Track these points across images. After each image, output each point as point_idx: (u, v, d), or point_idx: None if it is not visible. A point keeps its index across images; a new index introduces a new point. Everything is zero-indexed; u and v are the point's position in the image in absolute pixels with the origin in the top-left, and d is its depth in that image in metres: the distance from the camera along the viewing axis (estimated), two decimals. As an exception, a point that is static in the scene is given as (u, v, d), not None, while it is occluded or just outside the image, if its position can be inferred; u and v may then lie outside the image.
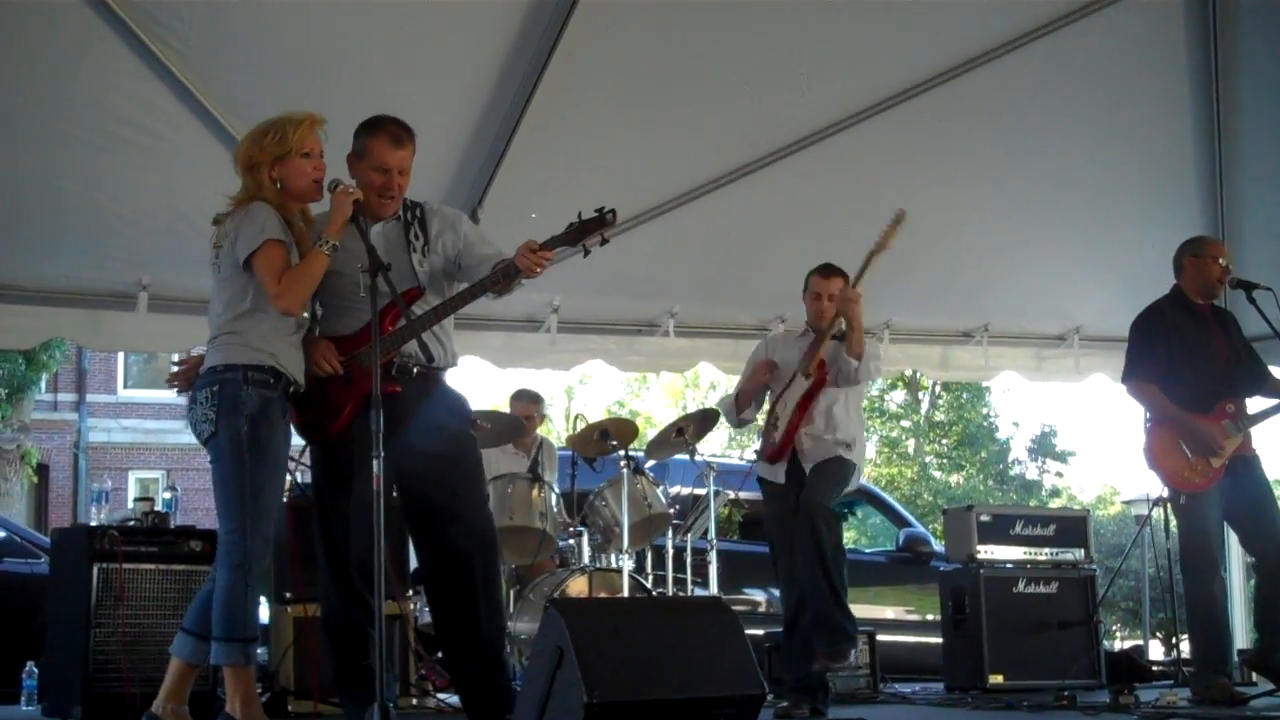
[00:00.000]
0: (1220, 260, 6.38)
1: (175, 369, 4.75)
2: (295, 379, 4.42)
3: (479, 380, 24.36)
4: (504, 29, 6.35)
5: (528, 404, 8.32)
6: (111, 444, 25.54)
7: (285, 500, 6.07)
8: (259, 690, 5.50)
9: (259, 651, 6.32)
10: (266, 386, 4.32)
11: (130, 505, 6.40)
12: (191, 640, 4.33)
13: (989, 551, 7.36)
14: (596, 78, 6.70)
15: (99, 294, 7.14)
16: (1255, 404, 6.33)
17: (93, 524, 6.01)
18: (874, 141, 7.36)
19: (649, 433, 10.00)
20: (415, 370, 4.68)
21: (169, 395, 24.98)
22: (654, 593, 7.47)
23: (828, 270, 6.12)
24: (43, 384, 23.23)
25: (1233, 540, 7.44)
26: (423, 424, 4.68)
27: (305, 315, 4.51)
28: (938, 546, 9.63)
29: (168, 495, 6.43)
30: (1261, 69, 7.59)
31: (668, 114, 7.03)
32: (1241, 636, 8.23)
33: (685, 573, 7.97)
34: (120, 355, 24.93)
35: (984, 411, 34.40)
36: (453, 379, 4.95)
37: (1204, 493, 6.16)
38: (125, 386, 25.93)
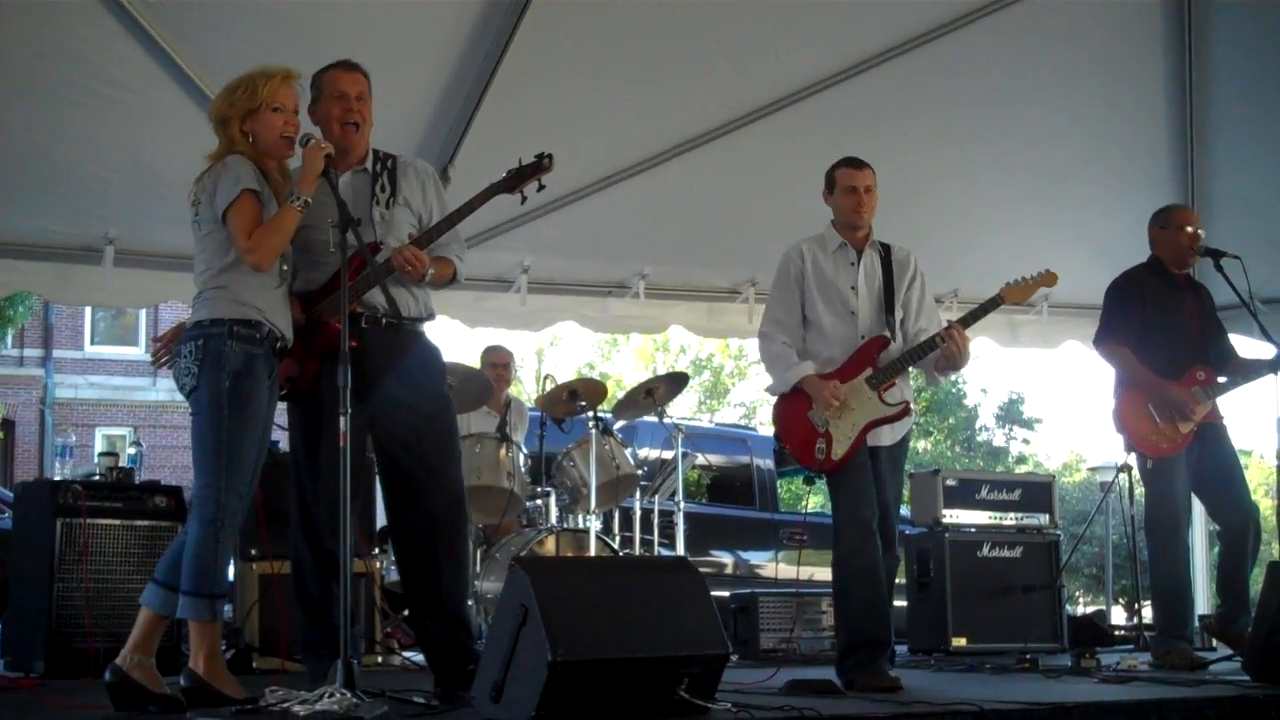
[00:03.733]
0: (1188, 228, 6.42)
1: (155, 345, 4.70)
2: (282, 333, 4.39)
3: (448, 339, 24.13)
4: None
5: (502, 354, 8.30)
6: (78, 400, 25.41)
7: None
8: (224, 647, 5.51)
9: (225, 608, 6.32)
10: (251, 342, 4.29)
11: (95, 461, 6.37)
12: (162, 591, 4.31)
13: (954, 516, 7.39)
14: (569, 39, 6.66)
15: (65, 248, 7.09)
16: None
17: (56, 479, 5.98)
18: (846, 105, 7.35)
19: (619, 394, 9.99)
20: (384, 322, 4.65)
21: (136, 352, 24.92)
22: (621, 553, 7.49)
23: (859, 162, 5.61)
24: (9, 339, 23.10)
25: (1197, 507, 7.50)
26: (397, 378, 4.65)
27: (286, 268, 4.47)
28: (904, 511, 9.68)
29: (133, 451, 6.39)
30: (1234, 37, 7.60)
31: (640, 76, 7.01)
32: (1203, 602, 8.31)
33: (652, 534, 8.00)
34: (87, 311, 24.79)
35: (952, 378, 34.54)
36: (430, 331, 4.91)
37: (1171, 458, 6.22)
38: (92, 342, 25.80)
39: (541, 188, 4.72)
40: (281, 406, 4.67)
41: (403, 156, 4.91)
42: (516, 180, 4.67)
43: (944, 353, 5.38)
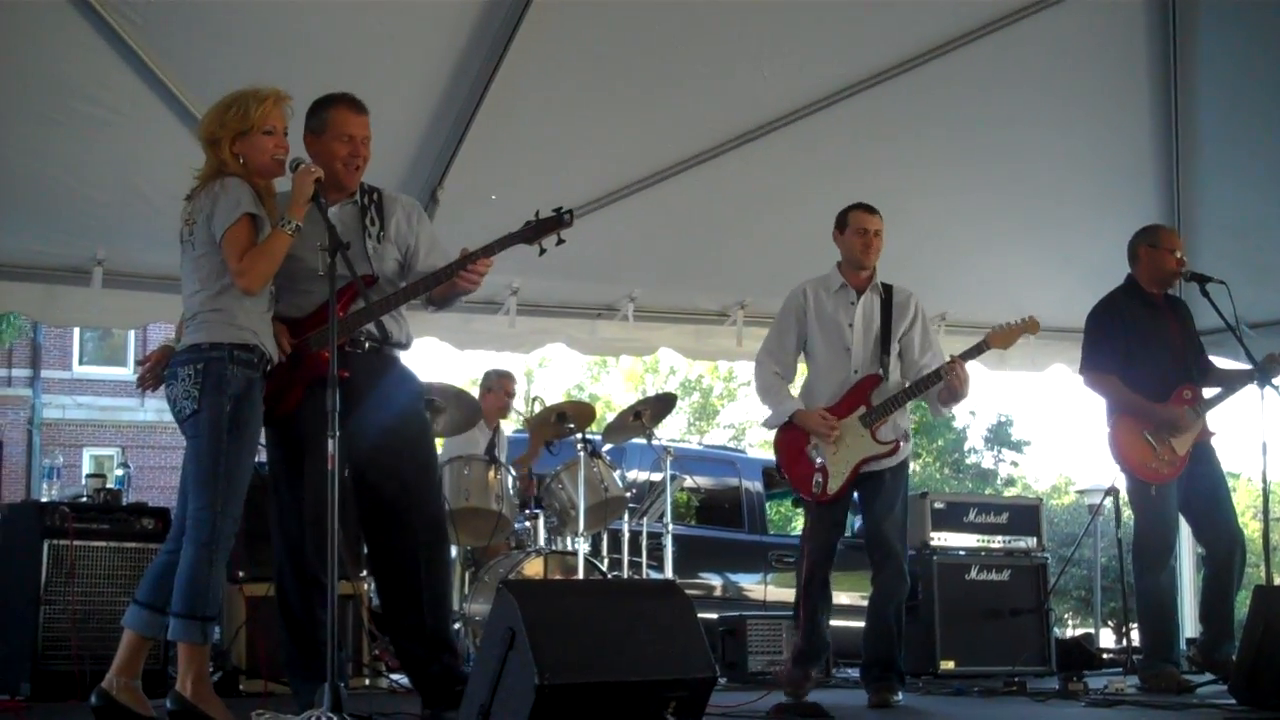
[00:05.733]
0: (1176, 252, 6.45)
1: (142, 369, 4.69)
2: (272, 356, 4.41)
3: (435, 361, 24.23)
4: (466, 10, 6.32)
5: (510, 381, 8.33)
6: (66, 420, 25.33)
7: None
8: (210, 669, 5.49)
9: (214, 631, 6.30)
10: (250, 366, 4.30)
11: (83, 482, 6.35)
12: (144, 612, 4.30)
13: (942, 539, 7.41)
14: (558, 61, 6.68)
15: (53, 268, 7.08)
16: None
17: (44, 500, 5.97)
18: (833, 129, 7.38)
19: (608, 416, 9.99)
20: (367, 345, 4.66)
21: (124, 372, 24.85)
22: (609, 576, 7.48)
23: (872, 209, 5.95)
24: (-4, 359, 23.01)
25: (1184, 530, 7.52)
26: (377, 406, 4.65)
27: (272, 289, 4.48)
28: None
29: (120, 472, 6.38)
30: (1219, 61, 7.65)
31: (629, 98, 7.03)
32: (1191, 625, 8.31)
33: (641, 556, 7.99)
34: (76, 331, 24.73)
35: (953, 410, 34.55)
36: (407, 359, 4.92)
37: (1171, 483, 6.23)
38: (80, 363, 25.73)
39: (560, 242, 4.69)
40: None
41: (388, 190, 4.92)
42: (534, 233, 4.67)
43: (947, 385, 5.69)
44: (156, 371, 4.50)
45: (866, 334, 5.87)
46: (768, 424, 6.08)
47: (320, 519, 4.12)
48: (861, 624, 5.92)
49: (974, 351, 5.82)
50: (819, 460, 5.74)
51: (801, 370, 6.17)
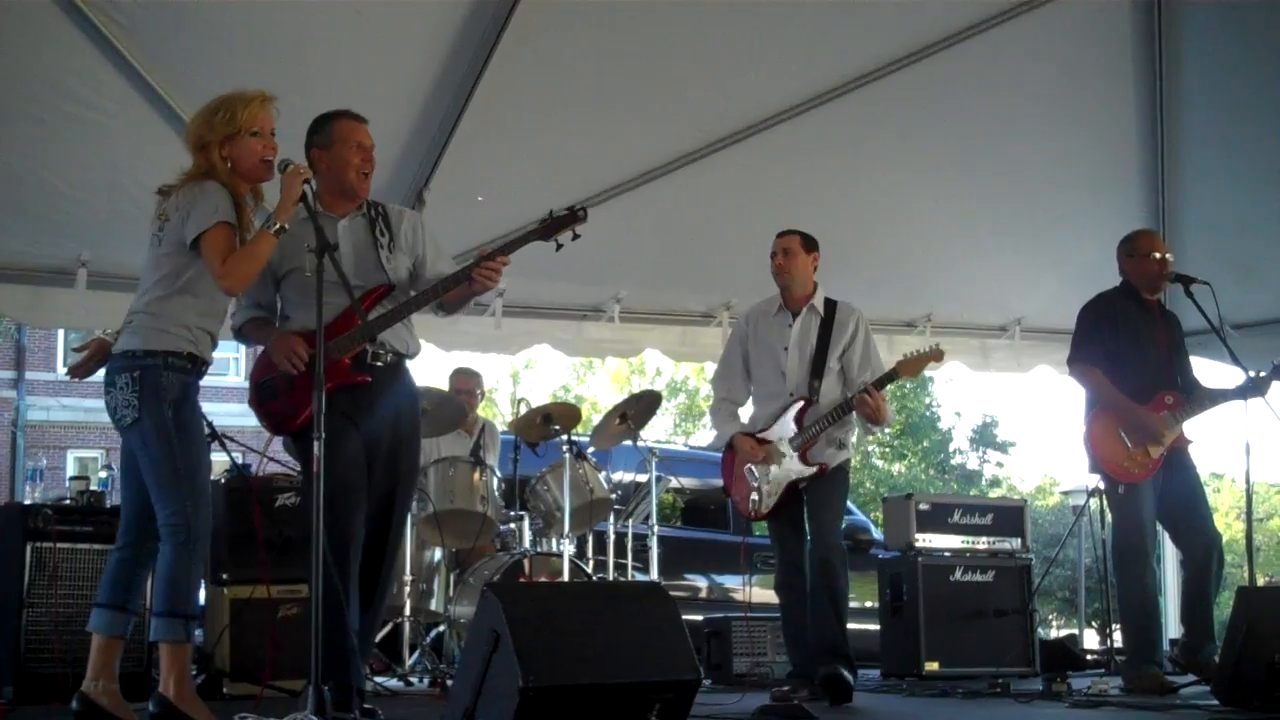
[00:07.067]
0: (1155, 254, 6.45)
1: (76, 357, 4.70)
2: (208, 360, 4.44)
3: (421, 363, 24.08)
4: (452, 11, 6.31)
5: (467, 379, 8.29)
6: (50, 422, 25.27)
7: (223, 482, 6.07)
8: (194, 672, 5.49)
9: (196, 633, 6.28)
10: (185, 371, 4.32)
11: (67, 484, 6.34)
12: (107, 612, 4.33)
13: (927, 540, 7.40)
14: (544, 62, 6.67)
15: (38, 270, 7.07)
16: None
17: (27, 502, 5.95)
18: (820, 130, 7.38)
19: (594, 418, 9.99)
20: (390, 358, 4.78)
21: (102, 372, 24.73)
22: (594, 578, 7.48)
23: (785, 229, 6.18)
24: (-20, 361, 22.93)
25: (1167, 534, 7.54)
26: (385, 412, 4.77)
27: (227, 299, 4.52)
28: (878, 535, 9.69)
29: (104, 474, 6.36)
30: (1204, 62, 7.66)
31: (615, 99, 7.02)
32: (1174, 627, 8.33)
33: (626, 558, 7.98)
34: (60, 333, 24.66)
35: (926, 401, 34.67)
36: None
37: (1141, 484, 6.24)
38: (65, 365, 25.62)
39: (576, 237, 4.82)
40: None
41: (390, 204, 5.05)
42: (549, 230, 4.78)
43: (860, 413, 5.96)
44: (90, 365, 4.54)
45: (801, 356, 6.09)
46: (712, 446, 6.50)
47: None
48: (857, 625, 6.03)
49: (885, 380, 5.96)
50: (754, 481, 6.07)
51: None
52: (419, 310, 4.81)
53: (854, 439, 6.28)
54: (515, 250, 4.76)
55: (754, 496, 6.07)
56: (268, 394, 4.74)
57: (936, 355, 6.12)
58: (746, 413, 6.38)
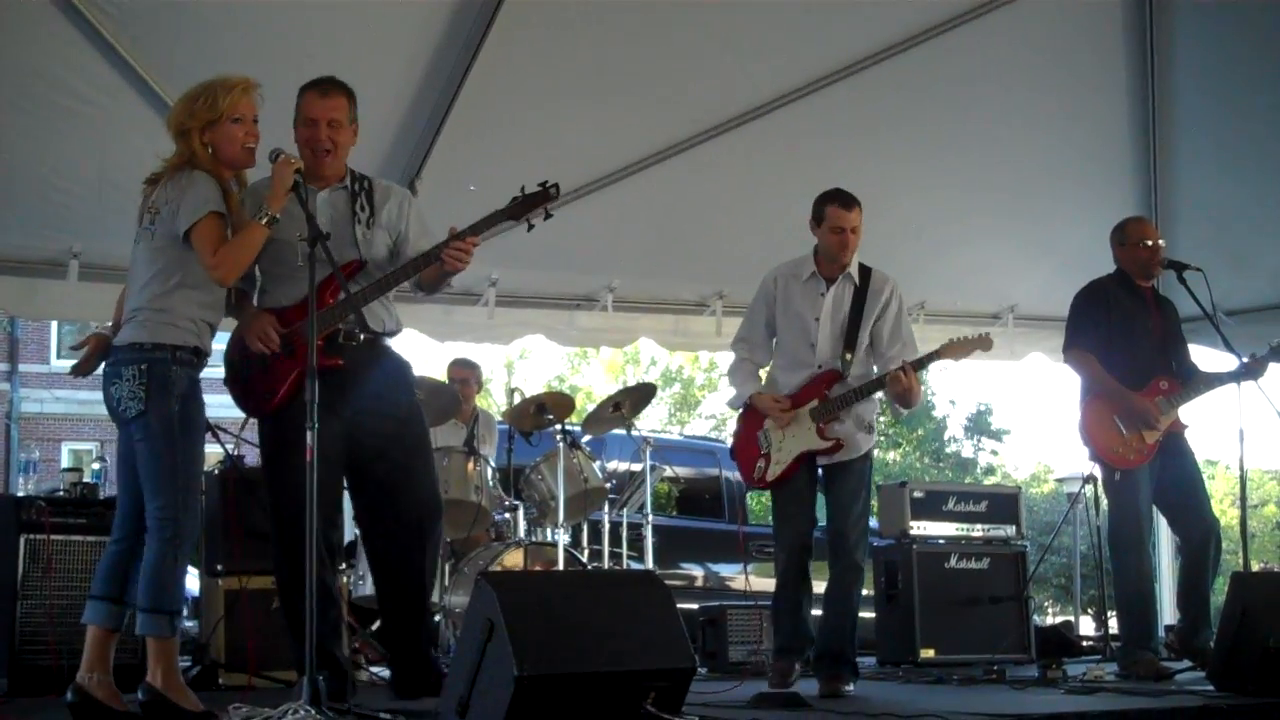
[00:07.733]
0: (1147, 241, 6.46)
1: (76, 356, 4.68)
2: (209, 351, 4.43)
3: (415, 353, 24.06)
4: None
5: (464, 369, 8.29)
6: (44, 414, 25.22)
7: (216, 473, 6.05)
8: (189, 663, 5.49)
9: (189, 624, 6.29)
10: (192, 365, 4.31)
11: (60, 476, 6.32)
12: (102, 605, 4.33)
13: (922, 527, 7.41)
14: (535, 51, 6.66)
15: (29, 262, 7.02)
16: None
17: (20, 494, 5.94)
18: (812, 118, 7.38)
19: (588, 407, 9.99)
20: (362, 337, 4.67)
21: (103, 365, 24.69)
22: (589, 567, 7.48)
23: (849, 201, 5.69)
24: (-27, 354, 22.89)
25: (1162, 519, 7.55)
26: (371, 392, 4.70)
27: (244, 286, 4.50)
28: (873, 523, 9.68)
29: (97, 466, 6.34)
30: (1196, 51, 7.67)
31: (608, 88, 7.01)
32: (1169, 613, 8.35)
33: (621, 547, 7.98)
34: (53, 325, 24.60)
35: (921, 389, 34.66)
36: (397, 345, 4.97)
37: (1136, 470, 6.24)
38: (58, 356, 25.58)
39: (548, 216, 4.73)
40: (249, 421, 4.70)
41: (380, 180, 4.97)
42: (521, 209, 4.70)
43: (891, 392, 5.65)
44: (91, 361, 4.52)
45: (833, 328, 5.78)
46: (730, 404, 6.21)
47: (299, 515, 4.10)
48: None
49: (926, 360, 5.71)
50: (764, 447, 5.81)
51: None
52: (392, 288, 4.73)
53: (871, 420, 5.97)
54: (485, 230, 4.68)
55: (760, 463, 5.80)
56: (239, 374, 4.70)
57: (986, 344, 5.86)
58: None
